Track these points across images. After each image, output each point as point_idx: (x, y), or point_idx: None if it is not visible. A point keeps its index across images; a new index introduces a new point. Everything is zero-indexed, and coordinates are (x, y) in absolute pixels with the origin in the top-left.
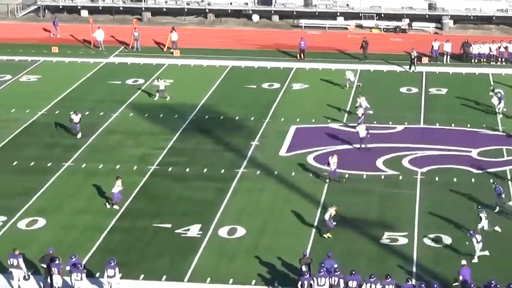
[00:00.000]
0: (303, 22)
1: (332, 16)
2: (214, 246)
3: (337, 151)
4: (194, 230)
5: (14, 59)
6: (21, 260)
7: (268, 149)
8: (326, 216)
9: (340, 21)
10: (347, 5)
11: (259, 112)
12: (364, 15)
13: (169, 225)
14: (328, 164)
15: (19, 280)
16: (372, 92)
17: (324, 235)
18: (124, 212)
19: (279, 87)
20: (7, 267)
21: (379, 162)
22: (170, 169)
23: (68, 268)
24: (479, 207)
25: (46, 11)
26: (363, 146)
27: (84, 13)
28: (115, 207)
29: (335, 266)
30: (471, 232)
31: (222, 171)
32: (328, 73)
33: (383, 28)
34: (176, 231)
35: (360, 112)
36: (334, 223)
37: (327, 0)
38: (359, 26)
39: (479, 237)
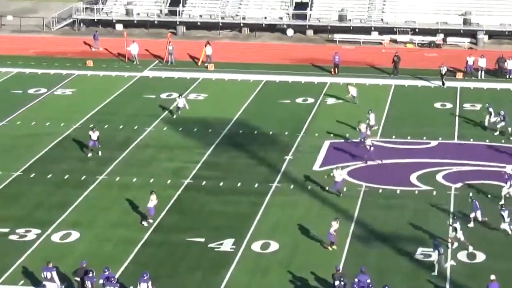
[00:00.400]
0: (337, 36)
1: (367, 30)
2: (247, 260)
3: (371, 166)
4: (227, 245)
5: (50, 73)
6: (54, 273)
7: (302, 164)
8: (331, 230)
9: (375, 36)
10: (382, 20)
11: (293, 126)
12: (398, 30)
13: (202, 239)
14: (334, 176)
15: None
16: (406, 107)
17: (329, 247)
18: (158, 225)
19: (313, 102)
20: (40, 280)
21: (413, 177)
22: (203, 183)
23: (101, 281)
24: (454, 217)
25: (82, 25)
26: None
27: (119, 26)
28: (150, 220)
29: (368, 281)
30: (435, 242)
31: (256, 185)
32: (362, 88)
33: (418, 43)
34: (209, 245)
35: (363, 127)
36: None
37: (361, 15)
38: (394, 41)
39: (441, 250)
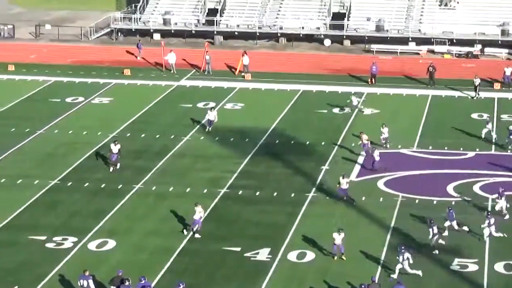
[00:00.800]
0: (374, 47)
1: (404, 41)
2: (283, 270)
3: (408, 176)
4: (263, 254)
5: (87, 81)
6: (91, 281)
7: (338, 174)
8: (335, 242)
9: (412, 46)
10: (419, 30)
11: (330, 136)
12: (436, 41)
13: (238, 249)
14: (339, 183)
15: None
16: (443, 117)
17: (342, 258)
18: (192, 236)
19: (350, 112)
20: None
21: (450, 188)
22: (240, 192)
23: None
24: (431, 221)
25: (119, 34)
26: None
27: (157, 36)
28: (197, 236)
29: None
30: (402, 248)
31: (292, 195)
32: (399, 98)
33: (455, 54)
34: (245, 254)
35: (364, 138)
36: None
37: (399, 25)
38: (431, 52)
39: (406, 255)
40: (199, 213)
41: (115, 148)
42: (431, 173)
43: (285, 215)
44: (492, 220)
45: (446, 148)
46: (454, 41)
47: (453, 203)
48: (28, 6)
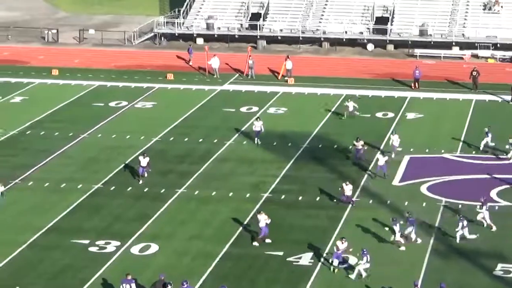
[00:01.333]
0: (418, 51)
1: (447, 45)
2: (325, 275)
3: (451, 181)
4: (306, 258)
5: (130, 86)
6: (133, 285)
7: (381, 179)
8: (339, 250)
9: (456, 50)
10: (463, 35)
11: (373, 141)
12: (479, 45)
13: (281, 253)
14: (342, 189)
15: None
16: (486, 122)
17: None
18: (236, 239)
19: (393, 116)
20: None
21: (493, 193)
22: (283, 197)
23: None
24: (394, 218)
25: (163, 39)
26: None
27: (200, 40)
28: (255, 244)
29: None
30: (364, 251)
31: (335, 199)
32: (442, 103)
33: (499, 58)
34: (288, 259)
35: (359, 144)
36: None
37: (442, 30)
38: (475, 56)
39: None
40: (264, 221)
41: (143, 161)
42: (474, 178)
43: (328, 220)
44: (465, 223)
45: (489, 153)
46: (498, 45)
47: (497, 208)
48: (72, 10)
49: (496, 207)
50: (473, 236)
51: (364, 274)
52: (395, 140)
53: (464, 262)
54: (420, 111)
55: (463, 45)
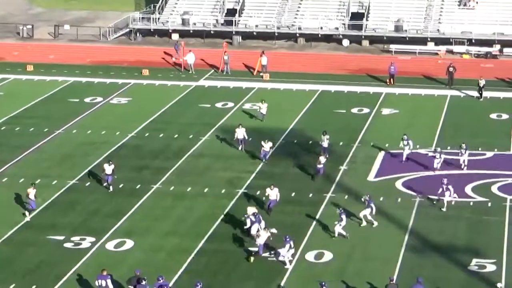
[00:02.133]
0: (393, 47)
1: (423, 41)
2: (301, 270)
3: (426, 176)
4: (281, 254)
5: (106, 82)
6: (109, 281)
7: (356, 174)
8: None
9: (431, 46)
10: (438, 30)
11: (348, 137)
12: (454, 41)
13: (256, 249)
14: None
15: None
16: (461, 118)
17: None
18: (212, 234)
19: (369, 112)
20: None
21: (468, 189)
22: (258, 192)
23: None
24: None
25: (138, 34)
26: None
27: (175, 36)
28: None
29: None
30: (287, 238)
31: (310, 195)
32: (418, 99)
33: (474, 54)
34: (263, 254)
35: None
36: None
37: (418, 26)
38: (450, 52)
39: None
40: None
41: (108, 169)
42: (449, 173)
43: (303, 216)
44: (344, 216)
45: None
46: (473, 41)
47: (471, 203)
48: (47, 6)
49: (471, 203)
50: (344, 233)
51: (288, 260)
52: (325, 140)
53: (439, 257)
54: (395, 107)
55: (438, 41)
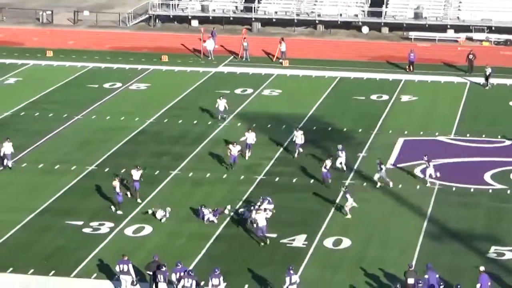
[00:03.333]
0: (413, 34)
1: (442, 28)
2: (319, 256)
3: (445, 163)
4: (299, 240)
5: (125, 67)
6: (130, 266)
7: (375, 161)
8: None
9: (450, 33)
10: (458, 17)
11: (367, 123)
12: (474, 28)
13: (274, 235)
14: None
15: (126, 287)
16: (481, 105)
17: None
18: (230, 220)
19: (388, 99)
20: (115, 273)
21: (487, 176)
22: (276, 179)
23: (175, 275)
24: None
25: (157, 21)
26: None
27: (195, 23)
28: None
29: (437, 276)
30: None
31: (329, 182)
32: (437, 86)
33: (494, 41)
34: (282, 240)
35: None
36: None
37: (437, 13)
38: (470, 39)
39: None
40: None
41: (136, 174)
42: (468, 161)
43: (321, 202)
44: (348, 196)
45: (483, 135)
46: (493, 28)
47: (490, 191)
48: None
49: (490, 190)
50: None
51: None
52: (299, 136)
53: (457, 244)
54: (414, 94)
55: (458, 28)
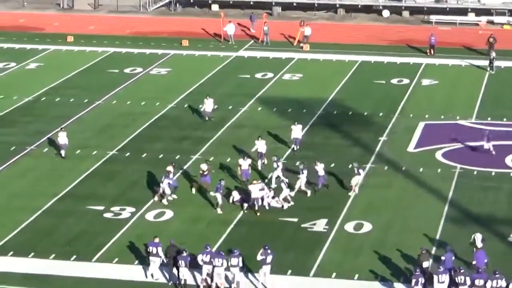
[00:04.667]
0: (433, 17)
1: (463, 12)
2: (340, 241)
3: (466, 147)
4: (320, 225)
5: (145, 52)
6: (160, 248)
7: (396, 145)
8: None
9: (471, 17)
10: (479, 1)
11: (388, 107)
12: (495, 11)
13: (295, 219)
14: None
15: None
16: (502, 89)
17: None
18: (251, 205)
19: (408, 83)
20: (136, 258)
21: (508, 160)
22: (297, 163)
23: (203, 257)
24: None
25: (177, 5)
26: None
27: (215, 7)
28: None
29: (453, 258)
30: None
31: (350, 166)
32: (458, 69)
33: None
34: (303, 225)
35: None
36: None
37: None
38: (491, 22)
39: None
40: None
41: (204, 166)
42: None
43: (342, 186)
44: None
45: (505, 119)
46: None
47: (511, 174)
48: None
49: (511, 174)
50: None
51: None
52: (297, 130)
53: (478, 228)
54: (435, 78)
55: (479, 12)
